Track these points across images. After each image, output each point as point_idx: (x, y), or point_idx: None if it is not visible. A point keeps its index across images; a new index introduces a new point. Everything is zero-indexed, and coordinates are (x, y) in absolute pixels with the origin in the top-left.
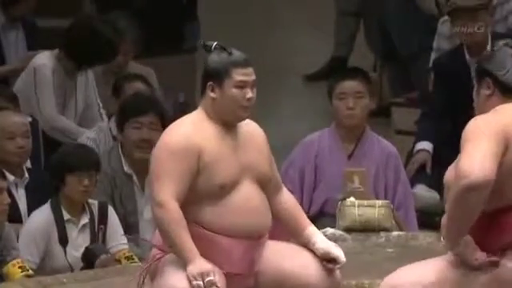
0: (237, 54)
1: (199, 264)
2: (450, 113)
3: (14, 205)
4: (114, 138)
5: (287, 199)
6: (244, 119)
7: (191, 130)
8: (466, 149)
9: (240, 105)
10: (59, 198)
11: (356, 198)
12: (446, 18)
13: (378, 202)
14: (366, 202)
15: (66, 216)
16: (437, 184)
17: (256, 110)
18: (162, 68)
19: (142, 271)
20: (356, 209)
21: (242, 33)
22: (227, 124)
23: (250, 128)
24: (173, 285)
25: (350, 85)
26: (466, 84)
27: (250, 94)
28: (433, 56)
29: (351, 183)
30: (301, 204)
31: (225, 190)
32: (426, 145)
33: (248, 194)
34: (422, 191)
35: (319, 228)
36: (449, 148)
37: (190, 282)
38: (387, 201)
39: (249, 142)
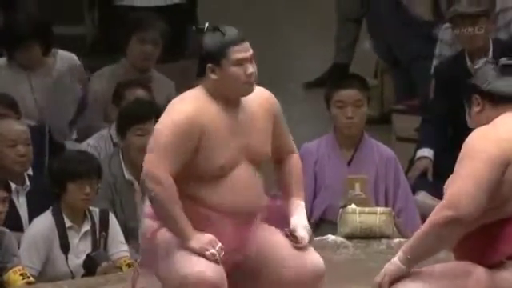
0: (230, 32)
1: (202, 236)
2: (451, 119)
3: (14, 212)
4: (115, 144)
5: (291, 164)
6: (249, 93)
7: (195, 109)
8: (460, 173)
9: (242, 81)
10: (60, 205)
11: (357, 205)
12: (447, 24)
13: (380, 209)
14: (367, 209)
15: (68, 223)
16: (438, 191)
17: None
18: (165, 74)
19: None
20: (357, 216)
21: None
22: (231, 100)
23: (257, 99)
24: (187, 273)
25: (348, 93)
26: (467, 90)
27: (250, 69)
28: (434, 62)
29: (352, 190)
30: None
31: (224, 170)
32: (427, 151)
33: (245, 177)
34: (424, 198)
35: (320, 235)
36: (450, 154)
37: (201, 254)
38: (388, 208)
39: (251, 122)
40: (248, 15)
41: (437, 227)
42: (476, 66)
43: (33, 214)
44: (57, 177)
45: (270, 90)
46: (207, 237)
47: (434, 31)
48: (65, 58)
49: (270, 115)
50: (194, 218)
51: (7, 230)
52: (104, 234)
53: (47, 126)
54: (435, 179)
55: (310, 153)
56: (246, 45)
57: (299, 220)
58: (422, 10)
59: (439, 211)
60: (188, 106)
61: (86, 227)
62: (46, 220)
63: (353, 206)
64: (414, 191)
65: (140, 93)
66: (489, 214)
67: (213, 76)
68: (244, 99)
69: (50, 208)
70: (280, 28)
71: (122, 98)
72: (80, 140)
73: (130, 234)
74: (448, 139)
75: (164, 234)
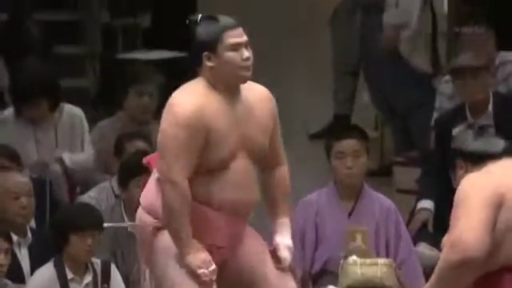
0: (224, 19)
1: (199, 253)
2: (451, 171)
3: (16, 264)
4: (116, 196)
5: (280, 177)
6: (247, 79)
7: (199, 101)
8: (459, 217)
9: (239, 66)
10: (62, 257)
11: (358, 257)
12: (447, 77)
13: (381, 261)
14: (368, 261)
15: (70, 275)
16: (438, 242)
17: None
18: None
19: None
20: (358, 267)
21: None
22: (231, 89)
23: (256, 94)
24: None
25: (347, 144)
26: None
27: (246, 53)
28: (435, 115)
29: (353, 241)
30: (302, 262)
31: (224, 164)
32: (427, 203)
33: (242, 170)
34: (425, 250)
35: (322, 286)
36: (451, 206)
37: (194, 272)
38: (390, 259)
39: (249, 112)
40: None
41: (449, 274)
42: (454, 133)
43: (35, 266)
44: (59, 229)
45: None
46: (204, 256)
47: (433, 82)
48: (70, 113)
49: (270, 114)
50: (191, 213)
51: (9, 282)
52: (106, 285)
53: (48, 179)
54: (435, 231)
55: (310, 204)
56: (241, 30)
57: (283, 239)
58: (421, 61)
59: (446, 257)
60: (190, 98)
61: (88, 279)
62: (47, 272)
63: (354, 257)
64: (415, 243)
65: (141, 145)
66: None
67: (209, 63)
68: (243, 91)
69: (52, 260)
70: (280, 79)
71: (123, 151)
72: (81, 192)
73: (132, 286)
74: (448, 191)
75: (164, 238)
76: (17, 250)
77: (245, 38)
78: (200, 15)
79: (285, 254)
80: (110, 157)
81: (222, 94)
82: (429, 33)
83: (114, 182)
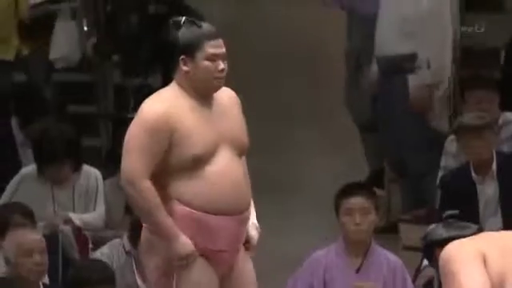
0: (207, 27)
1: (186, 245)
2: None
3: None
4: (127, 253)
5: (244, 166)
6: (218, 89)
7: (166, 106)
8: (447, 282)
9: (213, 76)
10: None
11: None
12: (452, 136)
13: None
14: None
15: None
16: None
17: (271, 222)
18: None
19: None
20: None
21: (256, 151)
22: (202, 96)
23: (224, 96)
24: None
25: (356, 201)
26: (472, 201)
27: (221, 65)
28: (440, 174)
29: None
30: None
31: (200, 162)
32: None
33: (225, 167)
34: None
35: None
36: None
37: (174, 259)
38: None
39: (224, 111)
40: (257, 132)
41: None
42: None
43: None
44: (72, 285)
45: (286, 198)
46: (189, 248)
47: None
48: (87, 173)
49: (239, 109)
50: (183, 220)
51: None
52: None
53: (61, 236)
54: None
55: (319, 260)
56: (221, 42)
57: (250, 224)
58: (437, 122)
59: None
60: (158, 105)
61: None
62: None
63: None
64: None
65: None
66: None
67: (184, 68)
68: (214, 95)
69: None
70: (292, 142)
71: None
72: (93, 248)
73: None
74: None
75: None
76: None
77: (223, 50)
78: (184, 18)
79: (253, 232)
80: (120, 214)
81: (194, 98)
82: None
83: (125, 239)
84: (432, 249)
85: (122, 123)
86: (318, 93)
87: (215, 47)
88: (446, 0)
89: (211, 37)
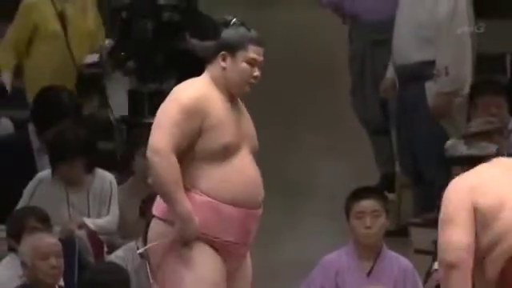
0: (255, 33)
1: (196, 229)
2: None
3: None
4: (142, 256)
5: None
6: (245, 93)
7: (201, 92)
8: (442, 228)
9: (247, 80)
10: None
11: None
12: (462, 141)
13: None
14: None
15: None
16: None
17: (281, 227)
18: None
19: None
20: None
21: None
22: (230, 94)
23: (240, 102)
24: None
25: (366, 204)
26: None
27: (257, 72)
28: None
29: None
30: None
31: (227, 152)
32: None
33: (246, 162)
34: None
35: None
36: None
37: (179, 236)
38: None
39: (242, 111)
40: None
41: (443, 279)
42: (446, 146)
43: None
44: (87, 287)
45: (297, 203)
46: (197, 232)
47: None
48: (102, 177)
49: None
50: (201, 209)
51: None
52: None
53: (77, 239)
54: None
55: (331, 263)
56: (263, 50)
57: None
58: (453, 129)
59: (439, 260)
60: (193, 89)
61: None
62: None
63: None
64: None
65: None
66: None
67: (222, 64)
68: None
69: None
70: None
71: (148, 212)
72: (108, 252)
73: None
74: None
75: (173, 252)
76: None
77: (262, 59)
78: (234, 19)
79: None
80: (134, 218)
81: (222, 93)
82: None
83: (140, 242)
84: (449, 167)
85: (136, 128)
86: (329, 96)
87: (258, 53)
88: (462, 5)
89: (257, 42)
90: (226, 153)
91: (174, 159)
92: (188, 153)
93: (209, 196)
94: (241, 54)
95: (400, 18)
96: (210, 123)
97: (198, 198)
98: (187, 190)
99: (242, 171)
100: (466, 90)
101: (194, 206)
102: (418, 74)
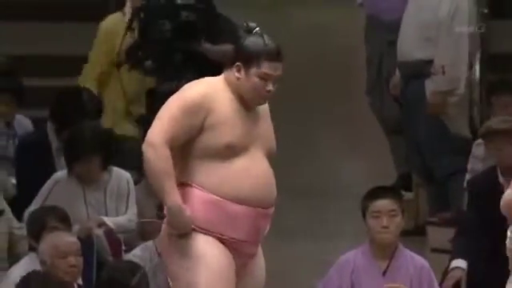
0: (271, 47)
1: (187, 222)
2: (486, 232)
3: None
4: (159, 255)
5: None
6: (259, 105)
7: (209, 89)
8: None
9: (258, 94)
10: None
11: None
12: (479, 140)
13: None
14: None
15: None
16: None
17: (299, 227)
18: None
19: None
20: None
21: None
22: (243, 101)
23: (260, 106)
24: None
25: (383, 203)
26: (499, 204)
27: (270, 86)
28: (467, 177)
29: None
30: None
31: (232, 151)
32: (460, 263)
33: (253, 162)
34: None
35: None
36: (485, 266)
37: (168, 224)
38: None
39: (259, 114)
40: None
41: None
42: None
43: None
44: (105, 285)
45: (318, 203)
46: (190, 227)
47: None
48: (118, 175)
49: (269, 118)
50: (206, 206)
51: None
52: None
53: (95, 238)
54: None
55: (347, 263)
56: (280, 64)
57: None
58: (461, 126)
59: None
60: (202, 86)
61: None
62: None
63: None
64: None
65: None
66: None
67: (237, 74)
68: None
69: None
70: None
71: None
72: (126, 250)
73: None
74: (481, 251)
75: (178, 245)
76: None
77: (278, 73)
78: (258, 28)
79: None
80: (151, 217)
81: (235, 95)
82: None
83: (157, 241)
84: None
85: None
86: (346, 96)
87: (271, 69)
88: (464, 5)
89: (272, 58)
90: (229, 152)
91: (166, 152)
92: (190, 148)
93: (211, 192)
94: (254, 69)
95: (407, 16)
96: (212, 121)
97: (200, 193)
98: (189, 185)
99: (247, 170)
100: (462, 89)
101: (196, 201)
102: (420, 71)
